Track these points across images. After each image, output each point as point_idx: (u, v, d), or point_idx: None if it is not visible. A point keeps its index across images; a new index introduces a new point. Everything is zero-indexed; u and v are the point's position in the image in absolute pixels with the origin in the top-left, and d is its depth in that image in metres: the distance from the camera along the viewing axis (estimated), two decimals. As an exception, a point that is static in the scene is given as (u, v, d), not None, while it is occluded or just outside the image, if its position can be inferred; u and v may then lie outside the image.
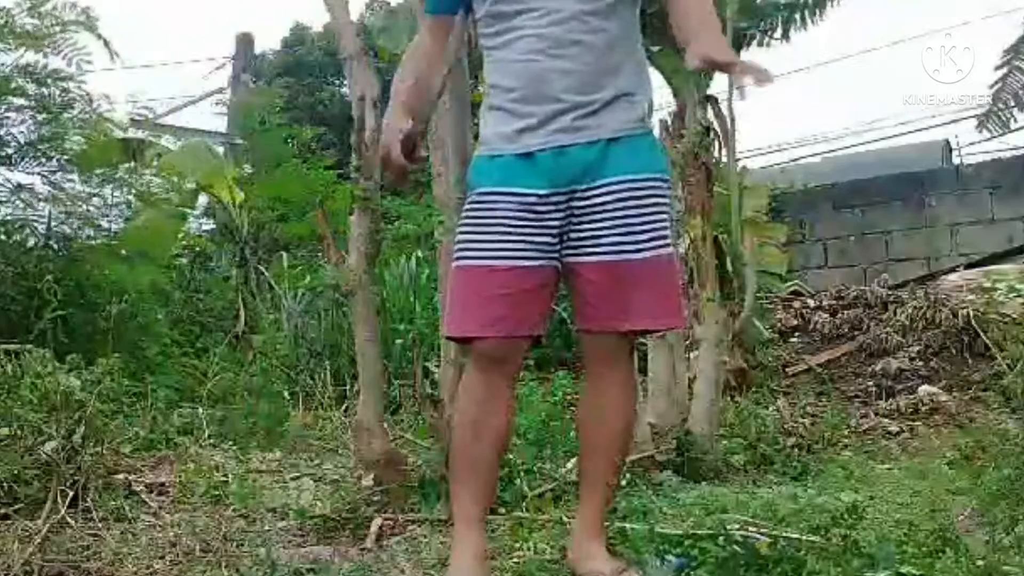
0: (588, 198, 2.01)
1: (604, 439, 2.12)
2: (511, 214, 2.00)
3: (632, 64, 2.07)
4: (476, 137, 2.46)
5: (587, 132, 2.00)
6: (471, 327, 2.04)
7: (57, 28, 4.96)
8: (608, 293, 2.02)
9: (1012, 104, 5.15)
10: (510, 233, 2.00)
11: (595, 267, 2.02)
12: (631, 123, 2.05)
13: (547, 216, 2.00)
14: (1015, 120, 5.38)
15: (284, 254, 7.84)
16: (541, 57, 1.98)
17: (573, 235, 2.02)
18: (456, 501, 2.06)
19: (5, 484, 2.40)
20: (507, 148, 2.04)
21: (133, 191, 5.64)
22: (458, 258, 2.07)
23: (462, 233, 2.07)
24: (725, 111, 4.06)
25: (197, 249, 8.06)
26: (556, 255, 2.03)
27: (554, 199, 2.00)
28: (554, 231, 2.01)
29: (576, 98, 1.99)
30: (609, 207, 2.00)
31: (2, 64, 4.90)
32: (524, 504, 2.64)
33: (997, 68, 5.08)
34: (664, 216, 2.07)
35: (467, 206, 2.10)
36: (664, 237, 2.05)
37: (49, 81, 4.97)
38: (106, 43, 5.20)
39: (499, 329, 2.00)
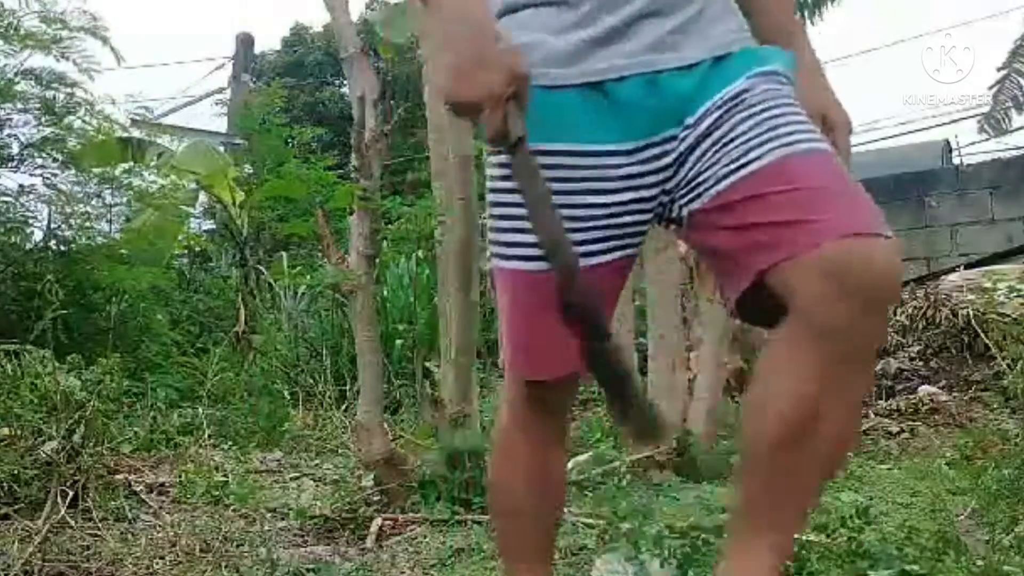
0: (689, 133, 1.19)
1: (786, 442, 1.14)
2: (584, 186, 1.21)
3: None
4: (476, 136, 2.42)
5: (687, 49, 1.22)
6: (555, 365, 1.30)
7: (64, 33, 4.97)
8: (780, 204, 1.13)
9: (1008, 105, 5.14)
10: (588, 218, 1.22)
11: (731, 190, 1.15)
12: (740, 33, 1.28)
13: (639, 180, 1.22)
14: (1009, 121, 5.37)
15: (284, 254, 7.85)
16: None
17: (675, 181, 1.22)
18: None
19: (5, 484, 2.39)
20: (562, 74, 1.21)
21: (133, 191, 5.65)
22: (505, 256, 1.30)
23: (501, 219, 1.29)
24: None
25: (197, 249, 8.07)
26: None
27: (645, 155, 1.21)
28: (647, 201, 1.24)
29: None
30: (731, 116, 1.18)
31: (6, 66, 4.92)
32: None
33: (1000, 69, 5.08)
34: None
35: (502, 173, 1.26)
36: (815, 131, 1.20)
37: (55, 85, 4.98)
38: (113, 49, 5.23)
39: (579, 362, 1.17)
